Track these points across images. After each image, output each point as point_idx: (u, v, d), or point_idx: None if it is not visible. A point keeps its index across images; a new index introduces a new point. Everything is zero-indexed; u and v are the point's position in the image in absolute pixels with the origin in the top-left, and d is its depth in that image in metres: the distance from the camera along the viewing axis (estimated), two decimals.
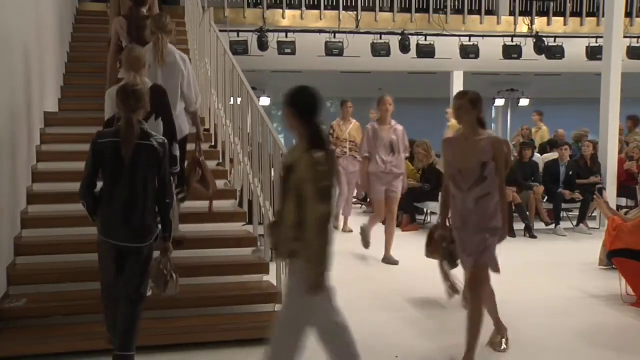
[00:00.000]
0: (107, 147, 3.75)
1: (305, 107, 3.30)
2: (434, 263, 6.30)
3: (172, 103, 4.81)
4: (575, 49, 12.64)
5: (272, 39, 11.64)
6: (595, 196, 7.77)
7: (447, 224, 4.51)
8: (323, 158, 3.18)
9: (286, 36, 11.73)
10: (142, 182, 3.73)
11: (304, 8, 12.17)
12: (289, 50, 11.72)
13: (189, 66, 5.32)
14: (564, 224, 9.45)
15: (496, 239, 4.27)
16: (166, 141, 3.94)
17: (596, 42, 12.27)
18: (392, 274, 6.99)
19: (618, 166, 9.87)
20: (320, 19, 12.26)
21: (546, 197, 9.50)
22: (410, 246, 7.70)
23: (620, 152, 10.23)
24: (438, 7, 12.90)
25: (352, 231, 8.99)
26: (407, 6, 12.67)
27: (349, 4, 12.46)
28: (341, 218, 9.30)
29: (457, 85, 14.38)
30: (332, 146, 8.43)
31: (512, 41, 12.71)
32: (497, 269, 4.33)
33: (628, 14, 12.39)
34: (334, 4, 12.38)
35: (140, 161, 3.74)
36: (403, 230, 9.40)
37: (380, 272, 7.08)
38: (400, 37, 12.22)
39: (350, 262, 7.48)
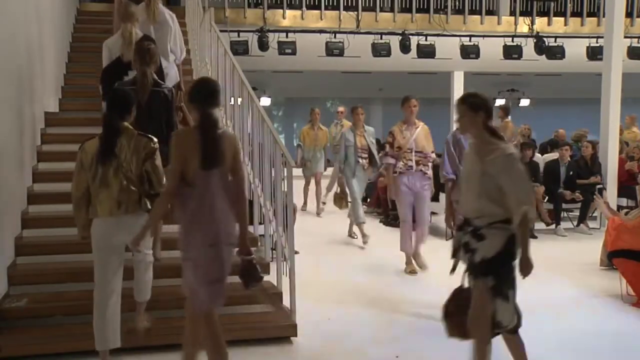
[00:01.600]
0: None
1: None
2: (434, 265, 6.31)
3: (163, 54, 5.55)
4: (576, 49, 12.65)
5: (273, 39, 11.65)
6: (595, 196, 7.77)
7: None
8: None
9: (286, 36, 11.74)
10: (157, 120, 4.65)
11: (304, 8, 12.19)
12: (289, 51, 11.73)
13: (177, 23, 6.10)
14: (564, 224, 9.45)
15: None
16: (172, 88, 4.99)
17: (596, 42, 12.28)
18: (397, 277, 6.98)
19: (618, 166, 9.87)
20: (321, 19, 12.27)
21: (547, 198, 9.50)
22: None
23: (620, 152, 10.23)
24: (438, 7, 12.91)
25: (415, 273, 6.85)
26: (408, 6, 12.69)
27: (350, 4, 12.47)
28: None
29: (458, 85, 14.39)
30: (391, 159, 6.78)
31: (512, 41, 12.72)
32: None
33: (628, 14, 12.41)
34: (335, 4, 12.39)
35: (154, 104, 4.65)
36: None
37: (382, 273, 7.08)
38: (400, 37, 12.23)
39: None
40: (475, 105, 3.58)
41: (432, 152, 6.91)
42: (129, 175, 4.00)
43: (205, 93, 3.57)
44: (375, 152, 8.31)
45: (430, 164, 6.82)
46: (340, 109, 11.24)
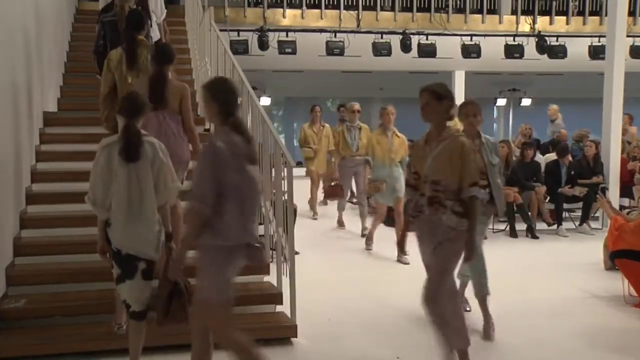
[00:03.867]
0: (109, 22, 5.77)
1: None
2: None
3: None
4: (578, 48, 12.60)
5: (273, 38, 11.62)
6: (598, 195, 7.74)
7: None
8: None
9: (287, 35, 11.70)
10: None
11: (304, 7, 12.15)
12: (289, 50, 11.69)
13: None
14: (566, 225, 9.42)
15: None
16: (149, 20, 5.84)
17: (599, 42, 12.24)
18: (395, 275, 6.96)
19: (621, 166, 9.84)
20: (321, 18, 12.23)
21: (548, 198, 9.46)
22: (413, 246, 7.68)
23: (622, 152, 10.19)
24: (439, 6, 12.87)
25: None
26: (409, 5, 12.65)
27: (350, 3, 12.43)
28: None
29: (459, 84, 14.36)
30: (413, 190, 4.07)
31: (514, 40, 12.67)
32: None
33: (631, 13, 12.36)
34: (335, 3, 12.35)
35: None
36: None
37: (383, 274, 7.06)
38: (401, 37, 12.19)
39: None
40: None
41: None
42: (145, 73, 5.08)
43: (163, 53, 4.89)
44: (497, 176, 4.82)
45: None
46: (356, 106, 8.78)
